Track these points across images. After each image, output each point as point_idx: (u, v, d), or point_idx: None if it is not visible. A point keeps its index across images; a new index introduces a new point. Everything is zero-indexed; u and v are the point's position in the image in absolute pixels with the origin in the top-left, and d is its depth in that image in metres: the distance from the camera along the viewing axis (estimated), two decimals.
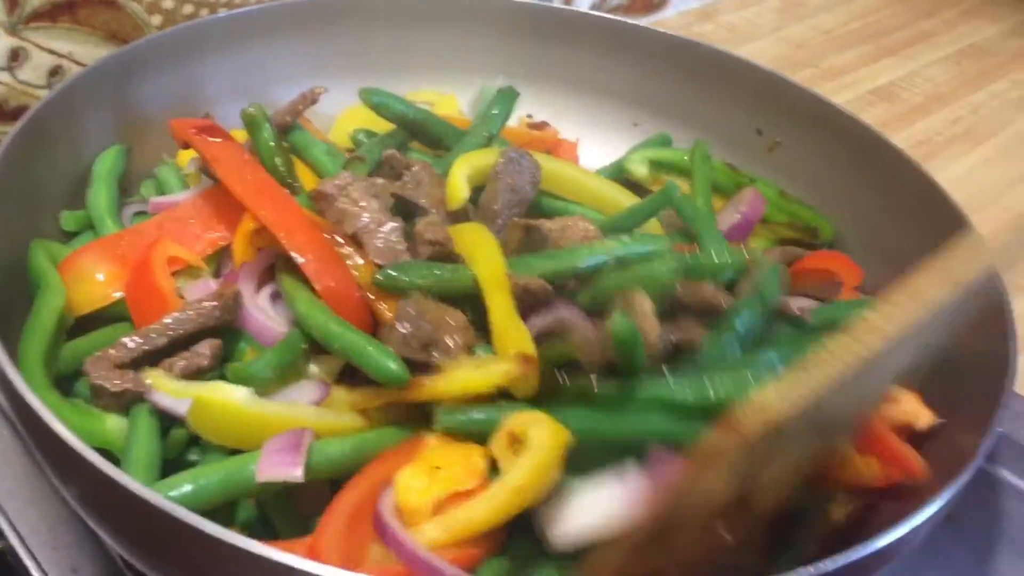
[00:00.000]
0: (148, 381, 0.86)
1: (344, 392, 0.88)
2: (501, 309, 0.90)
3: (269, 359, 0.88)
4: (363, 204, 0.98)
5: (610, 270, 0.96)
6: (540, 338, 0.89)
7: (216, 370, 0.91)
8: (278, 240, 0.94)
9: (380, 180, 1.04)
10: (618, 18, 1.43)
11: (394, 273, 0.92)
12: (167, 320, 0.91)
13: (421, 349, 0.87)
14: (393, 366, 0.85)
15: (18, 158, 1.01)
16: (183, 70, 1.25)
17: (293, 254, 0.92)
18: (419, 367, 0.87)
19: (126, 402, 0.88)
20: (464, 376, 0.85)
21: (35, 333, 0.90)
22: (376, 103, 1.21)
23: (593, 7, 1.94)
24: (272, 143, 1.09)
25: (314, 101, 1.19)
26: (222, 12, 1.44)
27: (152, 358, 0.90)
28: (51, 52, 1.33)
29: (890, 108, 1.88)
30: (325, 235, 0.96)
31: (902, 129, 1.81)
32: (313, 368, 0.91)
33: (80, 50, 1.36)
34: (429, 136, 1.23)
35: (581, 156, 1.39)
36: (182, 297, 0.97)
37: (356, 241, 0.97)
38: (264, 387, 0.87)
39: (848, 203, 1.24)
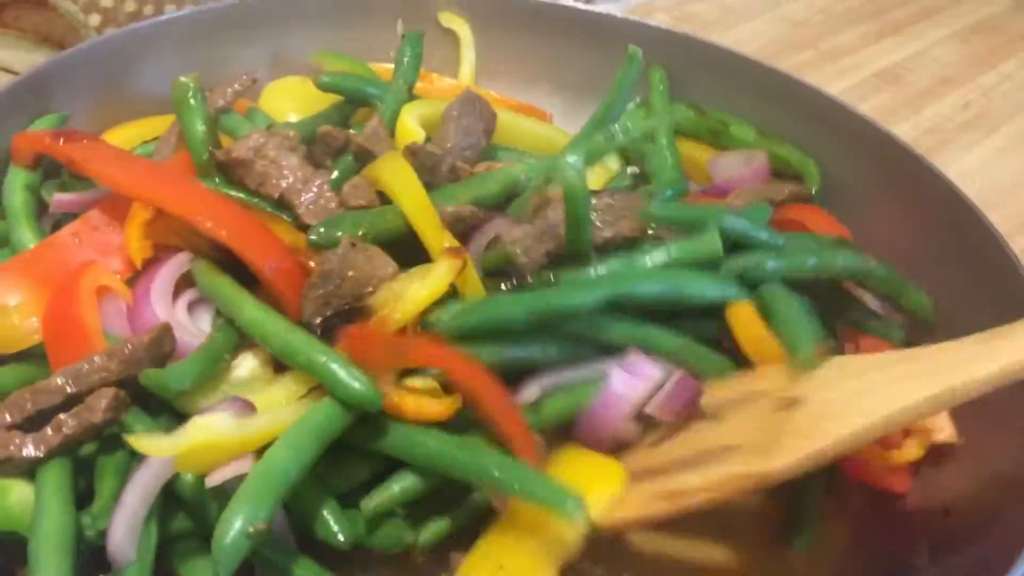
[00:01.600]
0: (131, 444, 0.75)
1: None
2: (428, 227, 0.90)
3: (188, 368, 0.80)
4: (283, 163, 0.93)
5: (532, 184, 0.99)
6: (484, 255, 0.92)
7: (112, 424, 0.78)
8: (189, 222, 0.85)
9: (291, 132, 0.97)
10: (605, 10, 1.31)
11: (326, 230, 0.88)
12: (83, 367, 0.79)
13: (347, 301, 0.84)
14: (359, 387, 0.77)
15: None
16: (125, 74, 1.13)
17: (209, 228, 0.84)
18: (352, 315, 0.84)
19: (26, 466, 0.76)
20: (415, 292, 0.83)
21: None
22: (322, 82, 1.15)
23: None
24: (201, 116, 0.98)
25: (250, 86, 1.10)
26: (170, 10, 1.31)
27: (50, 414, 0.78)
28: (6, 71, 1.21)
29: (897, 92, 1.76)
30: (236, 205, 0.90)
31: (909, 116, 1.69)
32: (242, 368, 0.84)
33: (9, 56, 1.23)
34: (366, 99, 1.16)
35: None
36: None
37: (284, 203, 0.93)
38: (180, 396, 0.80)
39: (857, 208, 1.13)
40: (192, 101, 0.99)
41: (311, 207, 0.92)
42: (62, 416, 0.76)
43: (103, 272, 0.88)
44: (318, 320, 0.83)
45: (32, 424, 0.77)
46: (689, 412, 0.84)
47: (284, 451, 0.74)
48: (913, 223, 1.06)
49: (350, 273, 0.83)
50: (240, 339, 0.84)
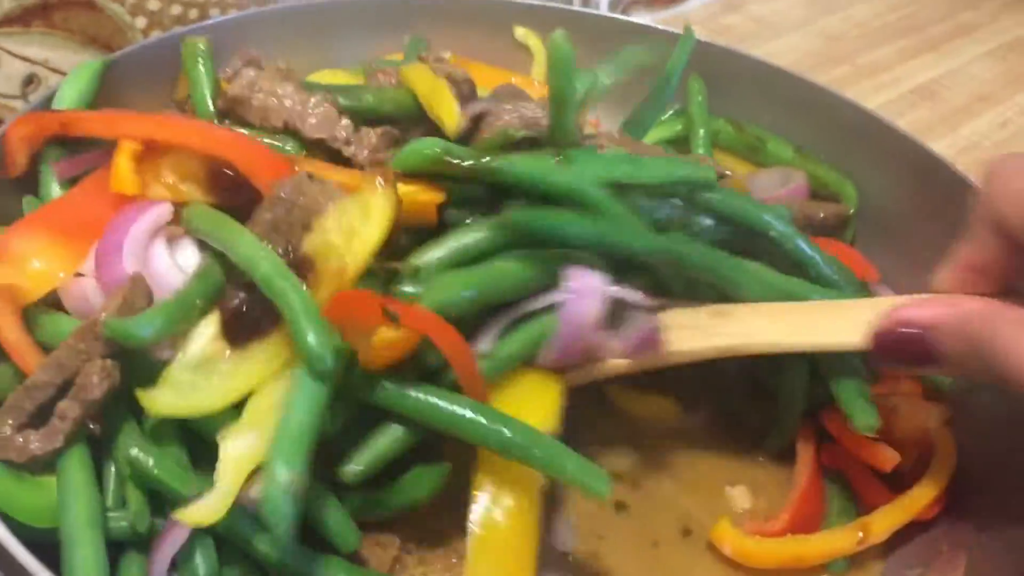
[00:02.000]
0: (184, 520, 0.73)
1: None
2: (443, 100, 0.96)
3: (156, 314, 0.77)
4: (280, 91, 0.96)
5: None
6: (476, 119, 0.95)
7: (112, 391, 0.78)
8: (185, 147, 0.88)
9: (281, 64, 1.01)
10: (640, 20, 1.31)
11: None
12: (61, 355, 0.78)
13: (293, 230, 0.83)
14: (312, 342, 0.74)
15: None
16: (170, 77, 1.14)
17: (209, 147, 0.88)
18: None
19: (51, 459, 0.77)
20: (364, 239, 0.81)
21: None
22: None
23: (613, 2, 1.82)
24: (208, 77, 1.02)
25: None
26: (215, 15, 1.32)
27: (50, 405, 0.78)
28: (25, 59, 1.23)
29: (933, 109, 1.75)
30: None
31: (946, 134, 1.68)
32: (195, 343, 0.80)
33: (56, 56, 1.25)
34: None
35: None
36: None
37: (290, 129, 0.95)
38: (144, 346, 0.78)
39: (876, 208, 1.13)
40: (200, 61, 1.02)
41: (316, 122, 0.94)
42: (62, 403, 0.77)
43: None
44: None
45: (37, 420, 0.78)
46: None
47: (299, 414, 0.73)
48: (952, 241, 1.05)
49: (301, 199, 0.83)
50: (216, 289, 0.81)
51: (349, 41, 1.26)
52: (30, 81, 1.24)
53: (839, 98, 1.18)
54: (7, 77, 1.22)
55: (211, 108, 0.99)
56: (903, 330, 0.77)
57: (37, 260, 0.85)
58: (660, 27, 1.30)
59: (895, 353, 0.78)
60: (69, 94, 1.02)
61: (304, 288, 0.76)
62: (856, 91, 1.73)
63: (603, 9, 1.80)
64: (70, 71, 1.07)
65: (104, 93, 1.06)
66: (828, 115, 1.18)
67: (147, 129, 0.89)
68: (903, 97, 1.79)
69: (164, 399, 0.76)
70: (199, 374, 0.77)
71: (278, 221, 0.82)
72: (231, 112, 0.97)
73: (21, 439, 0.76)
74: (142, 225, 0.85)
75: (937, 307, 0.76)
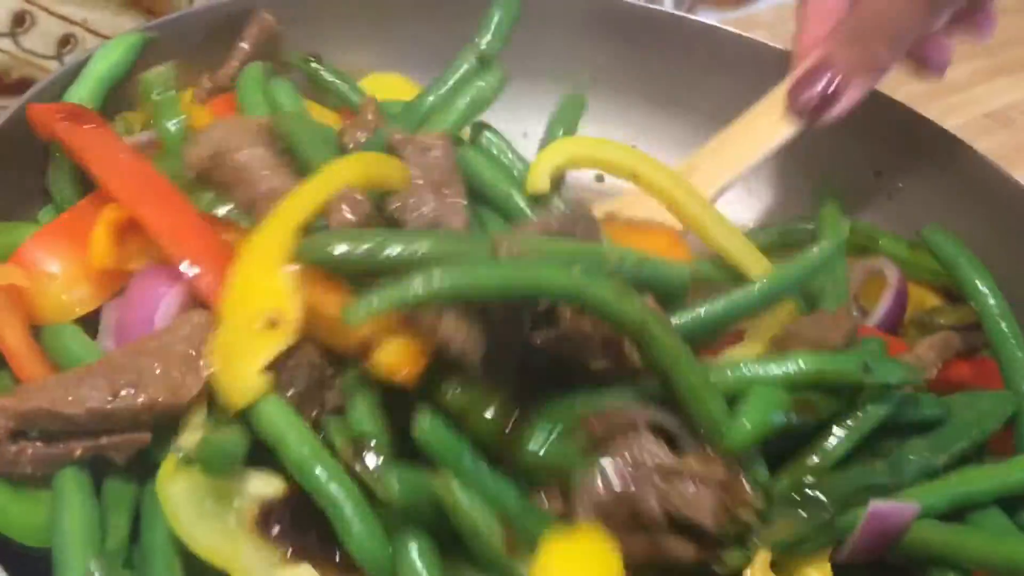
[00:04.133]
0: None
1: None
2: None
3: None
4: (249, 164, 0.81)
5: None
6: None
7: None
8: (162, 245, 0.76)
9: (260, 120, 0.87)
10: (706, 20, 1.24)
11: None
12: (114, 409, 0.70)
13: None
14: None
15: (12, 140, 0.88)
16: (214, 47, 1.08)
17: (184, 265, 0.75)
18: None
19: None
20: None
21: None
22: None
23: (677, 4, 1.74)
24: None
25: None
26: None
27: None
28: (62, 18, 1.18)
29: (1009, 137, 1.66)
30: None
31: (1021, 162, 1.59)
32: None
33: (96, 17, 1.20)
34: None
35: None
36: None
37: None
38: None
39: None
40: (162, 93, 0.92)
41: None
42: (82, 445, 0.70)
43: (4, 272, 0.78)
44: None
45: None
46: None
47: None
48: None
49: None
50: None
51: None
52: (67, 42, 1.19)
53: (916, 115, 1.10)
54: (42, 35, 1.17)
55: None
56: (810, 75, 1.01)
57: (56, 280, 0.79)
58: (729, 29, 1.23)
59: (810, 98, 1.00)
60: (101, 67, 0.96)
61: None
62: (927, 111, 1.65)
63: (667, 6, 1.72)
64: (108, 38, 1.02)
65: (142, 63, 1.01)
66: (907, 134, 1.10)
67: (130, 203, 0.79)
68: (976, 122, 1.71)
69: (175, 498, 0.67)
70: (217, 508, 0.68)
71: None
72: (203, 180, 0.84)
73: (15, 450, 0.69)
74: (174, 299, 0.77)
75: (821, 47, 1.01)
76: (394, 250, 0.70)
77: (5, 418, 0.69)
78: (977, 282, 0.96)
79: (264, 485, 0.69)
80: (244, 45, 1.07)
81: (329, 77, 1.10)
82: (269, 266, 0.72)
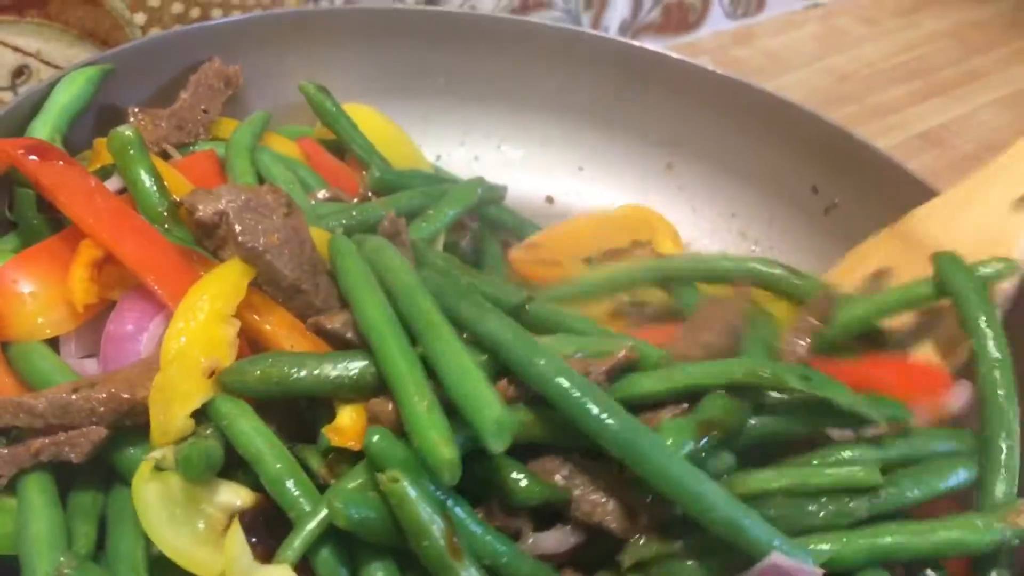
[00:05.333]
0: None
1: None
2: None
3: None
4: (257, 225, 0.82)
5: None
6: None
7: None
8: (144, 282, 0.79)
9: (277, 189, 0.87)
10: (650, 47, 1.28)
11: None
12: (71, 402, 0.73)
13: None
14: None
15: None
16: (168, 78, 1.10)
17: (168, 304, 0.78)
18: None
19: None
20: None
21: None
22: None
23: (623, 26, 1.79)
24: (145, 167, 0.89)
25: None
26: (217, 15, 1.28)
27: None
28: (16, 50, 1.18)
29: (940, 155, 1.73)
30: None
31: (953, 180, 1.64)
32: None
33: (50, 48, 1.20)
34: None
35: (610, 199, 1.25)
36: None
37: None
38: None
39: None
40: (133, 155, 0.89)
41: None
42: (40, 442, 0.72)
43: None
44: None
45: (5, 431, 0.74)
46: None
47: None
48: None
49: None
50: None
51: (348, 49, 1.22)
52: (20, 73, 1.19)
53: (853, 137, 1.14)
54: None
55: (160, 211, 0.87)
56: None
57: (31, 301, 0.81)
58: (673, 55, 1.27)
59: None
60: (62, 99, 0.97)
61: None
62: (864, 132, 1.70)
63: (612, 33, 1.77)
64: (65, 68, 1.03)
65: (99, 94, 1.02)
66: (843, 155, 1.14)
67: (108, 240, 0.81)
68: (909, 141, 1.77)
69: (149, 501, 0.69)
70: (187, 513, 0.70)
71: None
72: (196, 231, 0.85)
73: None
74: (164, 321, 0.79)
75: None
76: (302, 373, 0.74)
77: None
78: (981, 321, 0.87)
79: (233, 495, 0.71)
80: (194, 85, 1.09)
81: (347, 127, 1.13)
82: (211, 316, 0.76)
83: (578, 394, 0.71)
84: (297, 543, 0.67)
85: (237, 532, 0.66)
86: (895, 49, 2.06)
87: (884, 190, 1.11)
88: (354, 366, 0.75)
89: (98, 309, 0.82)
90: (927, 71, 1.99)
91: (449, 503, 0.69)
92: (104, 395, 0.72)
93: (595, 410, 0.70)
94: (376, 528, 0.67)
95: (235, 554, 0.65)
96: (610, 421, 0.70)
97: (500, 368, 0.75)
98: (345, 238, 0.86)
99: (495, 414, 0.68)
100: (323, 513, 0.68)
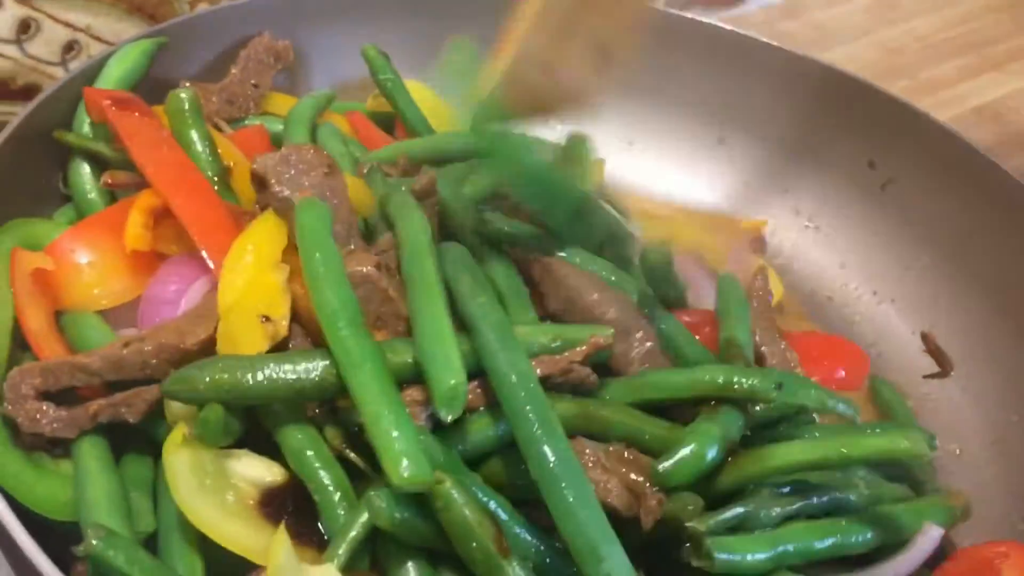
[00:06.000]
0: None
1: None
2: None
3: None
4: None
5: None
6: None
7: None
8: (191, 235, 0.81)
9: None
10: (702, 19, 1.26)
11: None
12: (124, 356, 0.73)
13: None
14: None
15: (24, 144, 0.89)
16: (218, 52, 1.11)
17: (204, 255, 0.80)
18: None
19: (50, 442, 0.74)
20: None
21: None
22: None
23: (669, 3, 1.76)
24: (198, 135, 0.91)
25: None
26: None
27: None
28: (66, 25, 1.18)
29: (996, 130, 1.68)
30: None
31: (1012, 155, 1.61)
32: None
33: (99, 24, 1.20)
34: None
35: (660, 175, 1.24)
36: None
37: None
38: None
39: (970, 254, 1.06)
40: (188, 116, 0.92)
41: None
42: (97, 403, 0.73)
43: (30, 257, 0.82)
44: None
45: (63, 396, 0.74)
46: None
47: None
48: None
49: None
50: None
51: (398, 24, 1.20)
52: (71, 48, 1.20)
53: (912, 110, 1.12)
54: (47, 42, 1.18)
55: (210, 172, 0.90)
56: None
57: (88, 272, 0.82)
58: (726, 27, 1.24)
59: None
60: (116, 72, 0.98)
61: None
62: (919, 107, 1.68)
63: (659, 5, 1.74)
64: (117, 43, 1.03)
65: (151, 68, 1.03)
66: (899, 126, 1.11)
67: (164, 190, 0.84)
68: (964, 116, 1.72)
69: (179, 469, 0.68)
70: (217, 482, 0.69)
71: None
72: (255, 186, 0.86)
73: (36, 408, 0.72)
74: (203, 285, 0.81)
75: None
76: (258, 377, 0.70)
77: (32, 376, 0.72)
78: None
79: (264, 471, 0.71)
80: (244, 60, 1.09)
81: (402, 96, 1.12)
82: (261, 266, 0.77)
83: (522, 394, 0.69)
84: (344, 547, 0.65)
85: (283, 535, 0.65)
86: (948, 22, 2.01)
87: (945, 164, 1.08)
88: (316, 368, 0.70)
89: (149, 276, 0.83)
90: (980, 44, 1.94)
91: (492, 504, 0.68)
92: (154, 346, 0.73)
93: (532, 419, 0.68)
94: (417, 528, 0.66)
95: (281, 557, 0.63)
96: (543, 442, 0.67)
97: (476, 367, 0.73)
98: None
99: (453, 380, 0.67)
100: (365, 517, 0.66)
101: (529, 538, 0.69)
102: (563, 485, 0.66)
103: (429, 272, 0.76)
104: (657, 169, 1.26)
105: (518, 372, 0.70)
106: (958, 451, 1.01)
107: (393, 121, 1.15)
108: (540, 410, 0.68)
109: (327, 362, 0.70)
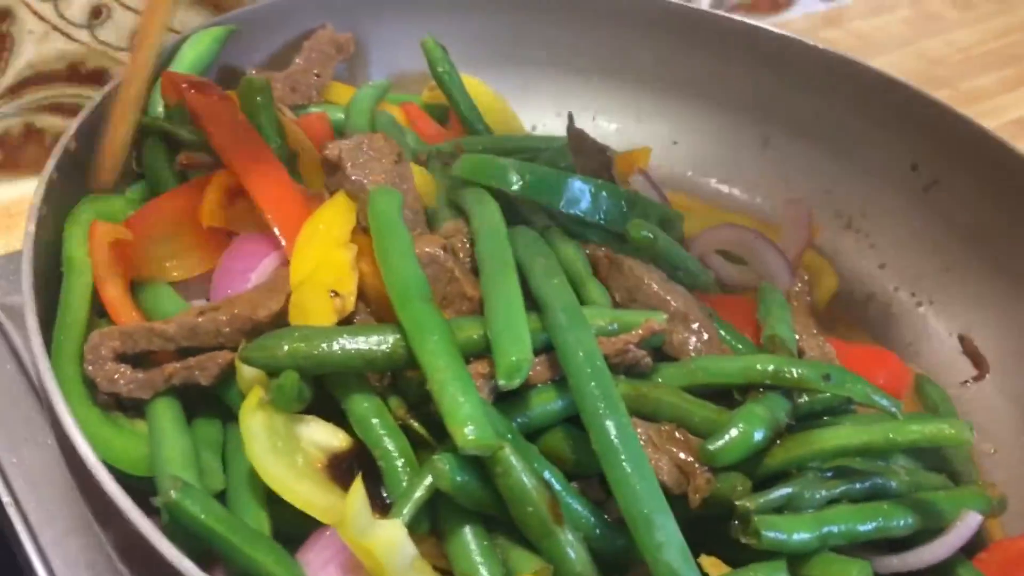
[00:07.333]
0: None
1: None
2: None
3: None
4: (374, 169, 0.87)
5: None
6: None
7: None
8: (263, 213, 0.85)
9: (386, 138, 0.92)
10: (749, 20, 1.28)
11: None
12: (198, 323, 0.77)
13: None
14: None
15: (100, 126, 0.91)
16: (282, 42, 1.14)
17: (276, 232, 0.84)
18: None
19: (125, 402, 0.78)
20: None
21: (67, 331, 0.79)
22: None
23: (713, 6, 1.78)
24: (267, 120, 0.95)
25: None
26: None
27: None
28: (136, 12, 1.22)
29: None
30: None
31: None
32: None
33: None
34: None
35: (708, 178, 1.28)
36: None
37: None
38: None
39: (1009, 257, 1.08)
40: (260, 101, 0.96)
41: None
42: (172, 366, 0.77)
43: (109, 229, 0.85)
44: None
45: (140, 360, 0.78)
46: None
47: None
48: None
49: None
50: None
51: (453, 18, 1.23)
52: (98, 13, 1.22)
53: (958, 115, 1.13)
54: (117, 28, 1.19)
55: (279, 154, 0.93)
56: None
57: (162, 244, 0.86)
58: (772, 28, 1.27)
59: None
60: (188, 57, 1.02)
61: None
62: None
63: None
64: (176, 32, 1.07)
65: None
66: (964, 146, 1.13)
67: (237, 168, 0.88)
68: (1004, 127, 1.73)
69: (254, 430, 0.71)
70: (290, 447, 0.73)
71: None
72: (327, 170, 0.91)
73: (114, 369, 0.76)
74: (272, 262, 0.85)
75: None
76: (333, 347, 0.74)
77: (111, 339, 0.77)
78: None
79: (331, 436, 0.75)
80: (307, 51, 1.13)
81: (458, 89, 1.15)
82: (331, 244, 0.81)
83: (589, 371, 0.72)
84: (408, 506, 0.68)
85: (359, 488, 0.67)
86: (988, 34, 2.02)
87: (987, 168, 1.10)
88: (386, 340, 0.74)
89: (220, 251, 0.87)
90: (1021, 57, 1.95)
91: (547, 474, 0.71)
92: (228, 316, 0.77)
93: (598, 394, 0.71)
94: (476, 493, 0.69)
95: (356, 508, 0.66)
96: (606, 417, 0.70)
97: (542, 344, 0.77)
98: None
99: (516, 356, 0.71)
100: (429, 480, 0.69)
101: (581, 509, 0.73)
102: (623, 458, 0.69)
103: (505, 252, 0.80)
104: (700, 168, 1.28)
105: (586, 350, 0.73)
106: (993, 450, 1.02)
107: (447, 114, 1.18)
108: (605, 386, 0.72)
109: (397, 335, 0.73)
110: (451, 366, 0.69)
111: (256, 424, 0.70)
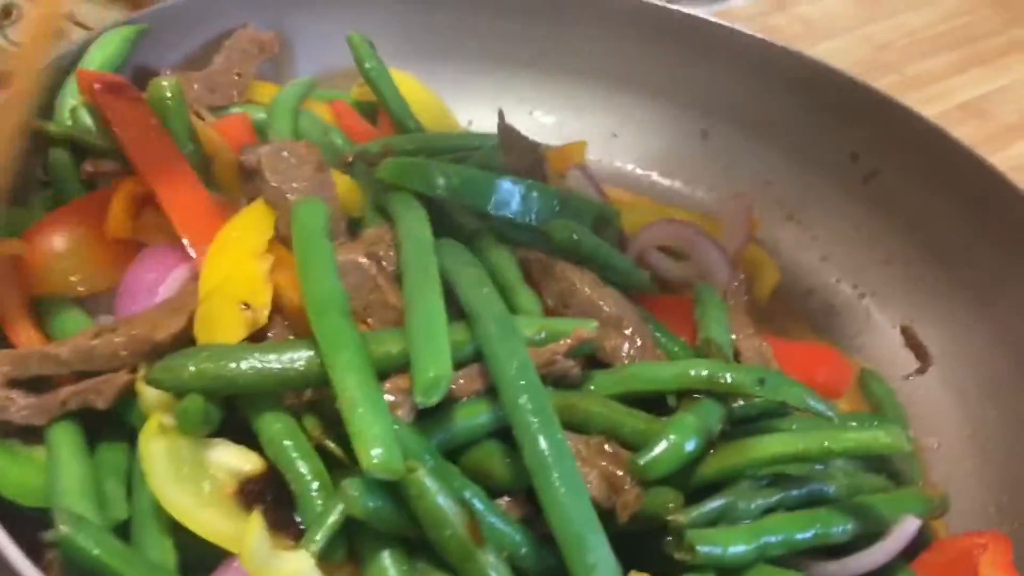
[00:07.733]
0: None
1: None
2: None
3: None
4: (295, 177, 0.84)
5: None
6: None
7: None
8: (173, 223, 0.81)
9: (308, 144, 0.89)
10: (688, 11, 1.25)
11: None
12: (94, 347, 0.73)
13: None
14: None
15: None
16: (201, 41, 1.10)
17: (186, 243, 0.80)
18: None
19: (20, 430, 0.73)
20: None
21: None
22: None
23: None
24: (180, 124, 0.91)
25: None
26: None
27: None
28: None
29: (981, 126, 1.69)
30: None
31: (995, 151, 1.61)
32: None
33: (82, 10, 1.19)
34: None
35: (649, 171, 1.25)
36: None
37: None
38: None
39: (952, 248, 1.07)
40: (170, 103, 0.92)
41: None
42: (67, 390, 0.73)
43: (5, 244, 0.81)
44: None
45: (33, 384, 0.74)
46: None
47: None
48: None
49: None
50: None
51: (382, 13, 1.20)
52: (8, 13, 1.17)
53: (896, 104, 1.12)
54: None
55: (192, 161, 0.90)
56: None
57: (65, 258, 0.82)
58: (711, 19, 1.24)
59: None
60: (96, 59, 0.98)
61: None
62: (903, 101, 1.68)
63: None
64: (93, 30, 1.02)
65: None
66: (886, 123, 1.12)
67: (148, 177, 0.84)
68: (949, 112, 1.73)
69: (156, 456, 0.68)
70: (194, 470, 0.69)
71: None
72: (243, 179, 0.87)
73: (4, 395, 0.72)
74: (182, 274, 0.81)
75: None
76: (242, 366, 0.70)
77: (1, 364, 0.72)
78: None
79: (242, 460, 0.71)
80: (228, 50, 1.09)
81: (386, 85, 1.11)
82: (245, 254, 0.77)
83: (521, 383, 0.70)
84: (320, 535, 0.64)
85: (257, 519, 0.64)
86: (935, 18, 2.01)
87: (927, 158, 1.08)
88: (300, 357, 0.70)
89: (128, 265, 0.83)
90: (968, 40, 1.94)
91: (467, 494, 0.68)
92: (125, 338, 0.73)
93: (530, 409, 0.69)
94: (391, 517, 0.66)
95: (255, 540, 0.62)
96: (539, 432, 0.68)
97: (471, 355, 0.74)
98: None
99: (435, 373, 0.68)
100: (341, 506, 0.65)
101: (505, 529, 0.69)
102: (555, 475, 0.66)
103: (428, 262, 0.77)
104: (641, 162, 1.26)
105: (518, 362, 0.71)
106: (936, 445, 1.01)
107: (377, 111, 1.15)
108: (538, 400, 0.69)
109: (312, 352, 0.70)
110: (362, 384, 0.66)
111: (157, 451, 0.67)
